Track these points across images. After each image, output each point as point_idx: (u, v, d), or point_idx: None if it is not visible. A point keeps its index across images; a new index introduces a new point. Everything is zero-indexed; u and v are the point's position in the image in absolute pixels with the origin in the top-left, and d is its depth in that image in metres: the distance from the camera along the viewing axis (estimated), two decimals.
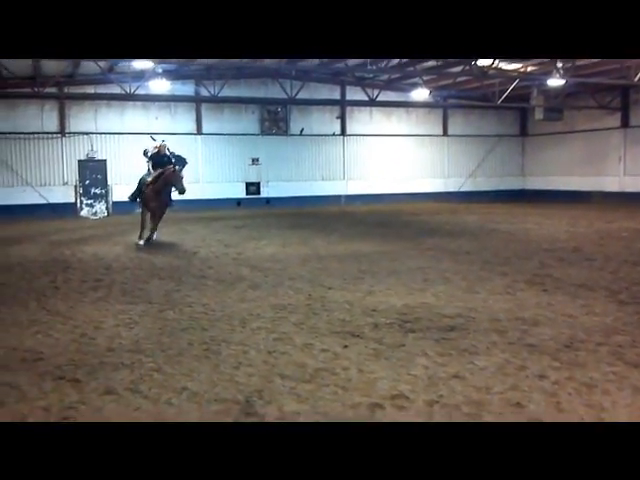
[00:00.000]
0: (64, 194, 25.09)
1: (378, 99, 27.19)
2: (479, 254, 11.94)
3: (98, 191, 25.47)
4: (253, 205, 26.99)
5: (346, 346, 5.92)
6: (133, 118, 26.03)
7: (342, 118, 29.44)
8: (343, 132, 29.50)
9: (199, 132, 27.06)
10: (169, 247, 13.42)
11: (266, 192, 28.24)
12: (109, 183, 25.57)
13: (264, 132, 28.20)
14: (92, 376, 5.15)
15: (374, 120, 29.99)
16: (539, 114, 27.54)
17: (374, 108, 29.44)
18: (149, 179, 14.11)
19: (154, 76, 21.95)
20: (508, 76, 24.11)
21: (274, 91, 26.75)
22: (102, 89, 24.79)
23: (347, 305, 7.66)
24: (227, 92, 24.80)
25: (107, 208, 25.43)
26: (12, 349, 6.00)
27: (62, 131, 25.10)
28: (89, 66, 22.10)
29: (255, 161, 28.02)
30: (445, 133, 31.34)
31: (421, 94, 25.21)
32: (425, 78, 24.90)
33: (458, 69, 23.03)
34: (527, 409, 4.33)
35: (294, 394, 4.68)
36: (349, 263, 11.05)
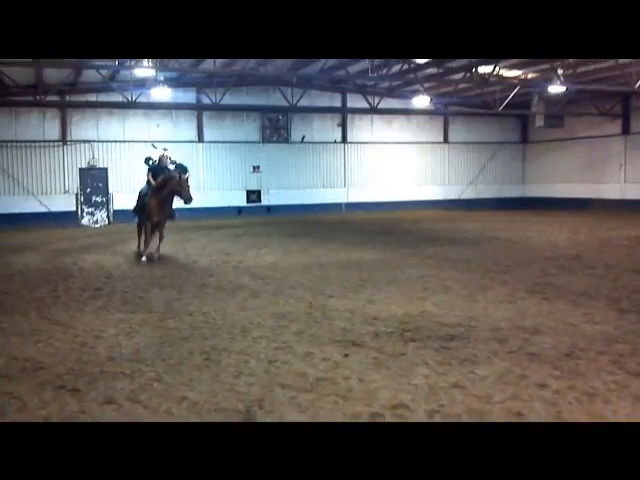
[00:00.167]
0: (65, 202, 25.12)
1: (379, 106, 27.23)
2: (480, 262, 11.93)
3: (99, 199, 25.49)
4: (254, 213, 27.02)
5: (347, 355, 5.91)
6: (134, 126, 26.11)
7: (343, 126, 29.50)
8: (344, 140, 29.55)
9: (200, 140, 27.12)
10: (170, 256, 13.42)
11: (267, 200, 28.28)
12: (110, 191, 25.60)
13: (265, 140, 28.26)
14: (92, 385, 5.15)
15: (375, 128, 30.05)
16: (540, 121, 27.56)
17: (375, 115, 29.50)
18: (151, 190, 13.15)
19: (155, 84, 22.00)
20: (509, 83, 24.15)
21: (275, 99, 26.82)
22: (104, 97, 24.87)
23: (348, 314, 7.65)
24: (228, 100, 24.85)
25: (108, 216, 25.45)
26: (13, 358, 6.00)
27: (63, 139, 25.17)
28: (91, 74, 22.17)
29: (256, 169, 28.06)
30: (446, 140, 31.39)
31: (422, 101, 25.24)
32: (426, 85, 24.92)
33: (459, 76, 23.07)
34: (528, 418, 4.32)
35: (295, 403, 4.68)
36: (350, 271, 11.04)
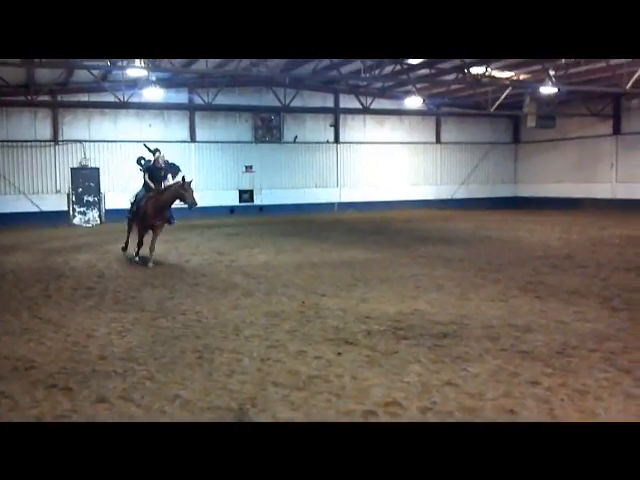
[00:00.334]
0: (57, 202, 25.02)
1: (371, 107, 27.24)
2: (472, 261, 11.96)
3: (91, 199, 25.41)
4: (246, 213, 26.99)
5: (339, 353, 5.92)
6: (126, 126, 26.02)
7: (336, 126, 29.51)
8: (336, 140, 29.56)
9: (193, 140, 27.07)
10: (162, 255, 13.38)
11: (259, 200, 28.25)
12: (102, 191, 25.52)
13: (258, 140, 28.23)
14: (84, 384, 5.13)
15: (367, 128, 30.08)
16: (531, 121, 27.64)
17: (367, 116, 29.52)
18: (151, 193, 12.53)
19: (148, 84, 21.93)
20: (501, 84, 24.21)
21: (268, 99, 26.78)
22: (95, 97, 24.78)
23: (340, 312, 7.66)
24: (221, 100, 24.79)
25: (100, 216, 25.36)
26: (4, 357, 5.97)
27: (55, 139, 25.06)
28: (83, 74, 22.08)
29: (249, 169, 28.04)
30: (438, 141, 31.44)
31: (414, 102, 25.28)
32: (418, 86, 24.96)
33: (451, 77, 23.12)
34: (520, 416, 4.33)
35: (287, 401, 4.68)
36: (342, 270, 11.05)
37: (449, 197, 31.18)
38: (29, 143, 24.68)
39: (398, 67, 21.85)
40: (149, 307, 8.21)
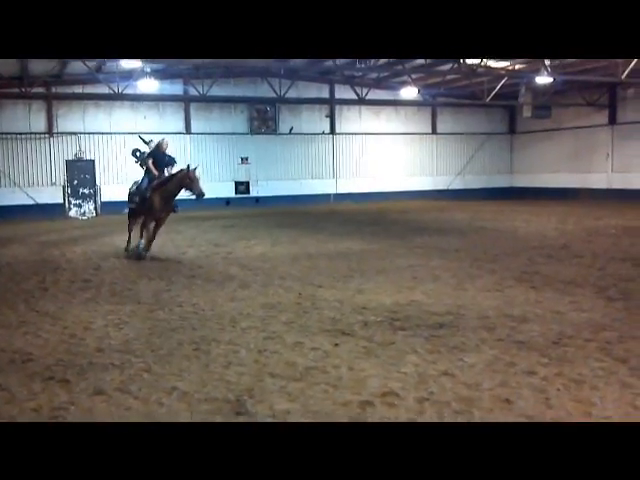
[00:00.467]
0: (52, 195, 24.95)
1: (367, 97, 27.17)
2: (468, 252, 11.98)
3: (86, 191, 25.36)
4: (242, 204, 26.95)
5: (336, 344, 5.93)
6: (121, 118, 25.92)
7: (331, 117, 29.45)
8: (332, 131, 29.51)
9: (188, 132, 26.98)
10: (159, 247, 13.37)
11: (255, 191, 28.21)
12: (97, 183, 25.47)
13: (253, 131, 28.17)
14: (81, 377, 5.14)
15: (363, 118, 30.02)
16: (527, 112, 27.64)
17: (363, 106, 29.45)
18: (155, 182, 11.97)
19: (142, 75, 21.83)
20: (496, 74, 24.18)
21: (263, 90, 26.68)
22: (90, 89, 24.64)
23: (337, 303, 7.67)
24: (216, 91, 24.70)
25: (95, 208, 25.33)
26: (1, 350, 5.97)
27: (50, 131, 24.96)
28: (77, 66, 21.96)
29: (244, 160, 27.98)
30: (434, 131, 31.41)
31: (410, 92, 25.22)
32: (414, 76, 24.90)
33: (447, 67, 23.06)
34: (516, 405, 4.35)
35: (285, 393, 4.69)
36: (339, 261, 11.06)
37: (445, 188, 31.16)
38: (24, 135, 24.57)
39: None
40: (146, 299, 8.21)
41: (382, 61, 22.31)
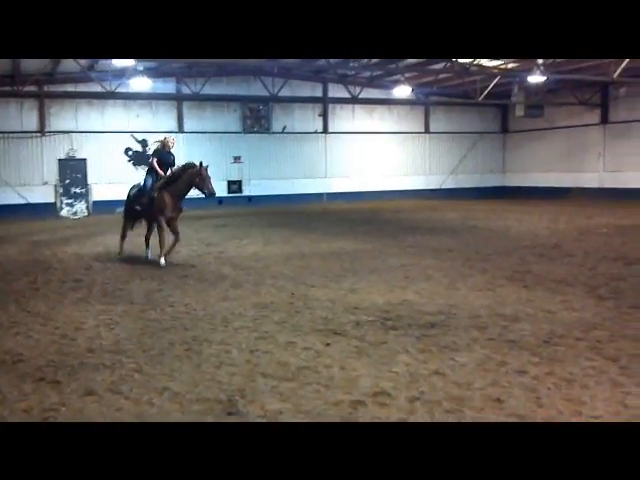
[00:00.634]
0: (44, 194, 24.84)
1: (360, 96, 27.19)
2: (460, 251, 12.01)
3: (78, 190, 25.27)
4: (235, 203, 26.89)
5: (328, 344, 5.93)
6: (114, 116, 25.82)
7: (324, 116, 29.43)
8: (325, 130, 29.49)
9: (181, 130, 26.89)
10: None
11: (248, 190, 28.17)
12: (89, 182, 25.37)
13: (246, 130, 28.13)
14: (72, 377, 5.12)
15: (356, 117, 30.02)
16: (520, 111, 27.70)
17: (356, 105, 29.44)
18: (161, 181, 11.19)
19: (135, 74, 21.77)
20: (489, 73, 24.23)
21: (256, 89, 26.65)
22: (82, 87, 24.53)
23: (329, 303, 7.67)
24: (209, 90, 24.66)
25: (87, 208, 25.24)
26: None
27: (42, 130, 24.84)
28: (69, 64, 21.87)
29: (237, 159, 27.93)
30: (427, 130, 31.44)
31: (403, 91, 25.25)
32: (407, 75, 24.94)
33: (440, 66, 23.10)
34: (507, 404, 4.37)
35: (276, 392, 4.69)
36: (331, 261, 11.06)
37: (438, 187, 31.20)
38: (15, 134, 24.45)
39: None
40: (137, 299, 8.19)
41: (375, 60, 22.31)
